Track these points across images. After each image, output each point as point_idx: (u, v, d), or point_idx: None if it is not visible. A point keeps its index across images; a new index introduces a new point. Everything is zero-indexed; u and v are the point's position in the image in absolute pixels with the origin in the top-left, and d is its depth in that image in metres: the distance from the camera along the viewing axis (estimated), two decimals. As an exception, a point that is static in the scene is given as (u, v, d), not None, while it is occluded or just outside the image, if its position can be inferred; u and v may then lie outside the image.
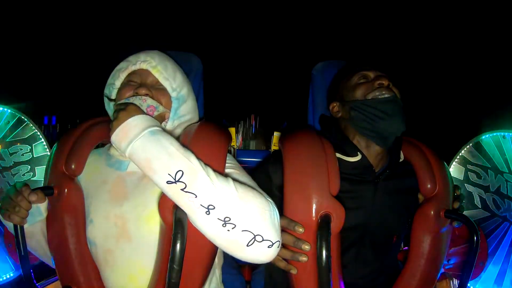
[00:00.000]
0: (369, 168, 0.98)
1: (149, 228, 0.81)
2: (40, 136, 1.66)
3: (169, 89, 0.91)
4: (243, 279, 1.16)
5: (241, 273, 1.18)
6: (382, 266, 1.01)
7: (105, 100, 0.95)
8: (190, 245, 0.71)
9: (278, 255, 0.78)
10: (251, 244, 0.69)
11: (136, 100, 0.85)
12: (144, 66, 0.90)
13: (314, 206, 0.82)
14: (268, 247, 0.70)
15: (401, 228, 1.03)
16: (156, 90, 0.90)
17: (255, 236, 0.69)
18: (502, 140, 1.62)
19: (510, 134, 1.62)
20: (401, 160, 1.04)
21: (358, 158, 0.98)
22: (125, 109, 0.76)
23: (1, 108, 1.62)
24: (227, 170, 0.82)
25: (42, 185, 0.87)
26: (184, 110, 0.94)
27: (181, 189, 0.69)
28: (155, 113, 0.87)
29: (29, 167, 1.64)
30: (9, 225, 0.84)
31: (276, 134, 1.77)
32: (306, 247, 0.79)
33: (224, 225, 0.68)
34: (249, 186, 0.76)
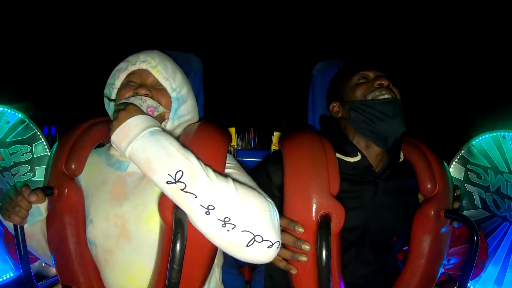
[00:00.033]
0: (369, 169, 0.98)
1: (149, 228, 0.81)
2: (40, 136, 1.66)
3: (169, 89, 0.91)
4: (243, 279, 1.16)
5: (241, 273, 1.18)
6: (382, 266, 1.01)
7: (105, 100, 0.95)
8: (190, 245, 0.71)
9: (278, 255, 0.78)
10: (251, 245, 0.69)
11: (136, 100, 0.85)
12: (144, 66, 0.90)
13: (314, 206, 0.82)
14: (268, 247, 0.70)
15: (401, 228, 1.03)
16: (156, 90, 0.90)
17: (254, 236, 0.69)
18: (502, 140, 1.62)
19: (510, 134, 1.62)
20: (401, 160, 1.04)
21: (358, 158, 0.98)
22: (125, 109, 0.76)
23: (1, 108, 1.62)
24: (227, 170, 0.82)
25: (42, 185, 0.87)
26: (184, 110, 0.94)
27: (181, 189, 0.69)
28: (155, 113, 0.87)
29: (29, 167, 1.64)
30: (9, 225, 0.84)
31: (276, 134, 1.76)
32: (306, 247, 0.79)
33: (224, 225, 0.68)
34: (249, 186, 0.76)
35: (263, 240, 0.69)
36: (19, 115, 1.64)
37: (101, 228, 0.84)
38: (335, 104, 1.05)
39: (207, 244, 0.73)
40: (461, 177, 1.66)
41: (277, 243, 0.72)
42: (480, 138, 1.66)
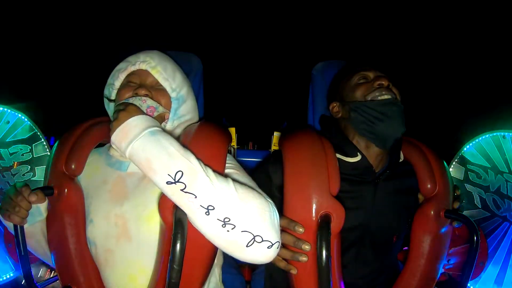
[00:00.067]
0: (369, 169, 0.98)
1: (149, 228, 0.81)
2: (40, 136, 1.66)
3: (168, 89, 0.91)
4: (243, 279, 1.16)
5: (241, 273, 1.18)
6: (382, 266, 1.01)
7: (105, 100, 0.95)
8: (190, 245, 0.71)
9: (278, 255, 0.78)
10: (251, 245, 0.69)
11: (136, 101, 0.85)
12: (143, 66, 0.90)
13: (314, 206, 0.82)
14: (268, 247, 0.70)
15: (401, 228, 1.03)
16: (156, 91, 0.90)
17: (254, 236, 0.69)
18: (502, 140, 1.62)
19: (510, 134, 1.62)
20: (401, 160, 1.04)
21: (358, 158, 0.98)
22: (125, 109, 0.76)
23: (1, 108, 1.62)
24: (227, 171, 0.82)
25: (42, 185, 0.87)
26: (184, 110, 0.94)
27: (180, 190, 0.69)
28: (155, 114, 0.87)
29: (29, 167, 1.64)
30: (9, 225, 0.84)
31: (276, 134, 1.76)
32: (306, 247, 0.79)
33: (223, 225, 0.68)
34: (249, 186, 0.76)
35: (263, 241, 0.69)
36: (19, 115, 1.64)
37: (101, 228, 0.84)
38: (335, 104, 1.05)
39: (207, 244, 0.73)
40: (461, 177, 1.66)
41: (277, 244, 0.72)
42: (480, 138, 1.66)
